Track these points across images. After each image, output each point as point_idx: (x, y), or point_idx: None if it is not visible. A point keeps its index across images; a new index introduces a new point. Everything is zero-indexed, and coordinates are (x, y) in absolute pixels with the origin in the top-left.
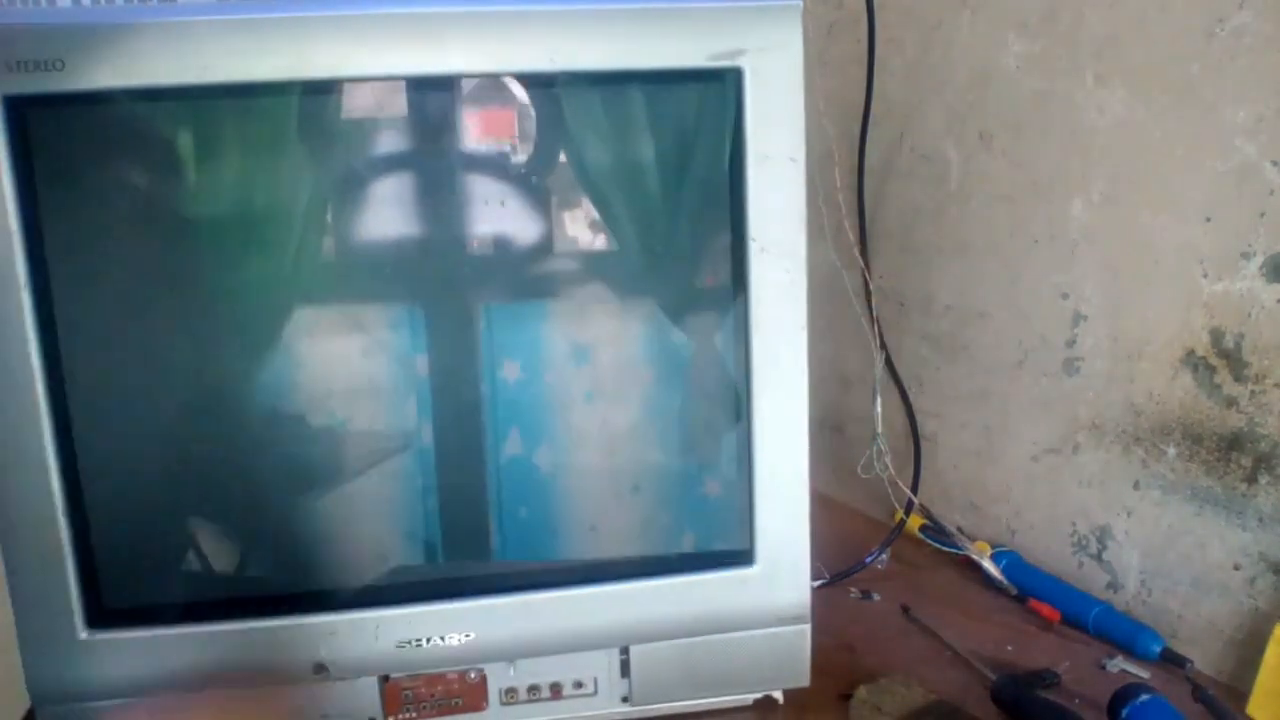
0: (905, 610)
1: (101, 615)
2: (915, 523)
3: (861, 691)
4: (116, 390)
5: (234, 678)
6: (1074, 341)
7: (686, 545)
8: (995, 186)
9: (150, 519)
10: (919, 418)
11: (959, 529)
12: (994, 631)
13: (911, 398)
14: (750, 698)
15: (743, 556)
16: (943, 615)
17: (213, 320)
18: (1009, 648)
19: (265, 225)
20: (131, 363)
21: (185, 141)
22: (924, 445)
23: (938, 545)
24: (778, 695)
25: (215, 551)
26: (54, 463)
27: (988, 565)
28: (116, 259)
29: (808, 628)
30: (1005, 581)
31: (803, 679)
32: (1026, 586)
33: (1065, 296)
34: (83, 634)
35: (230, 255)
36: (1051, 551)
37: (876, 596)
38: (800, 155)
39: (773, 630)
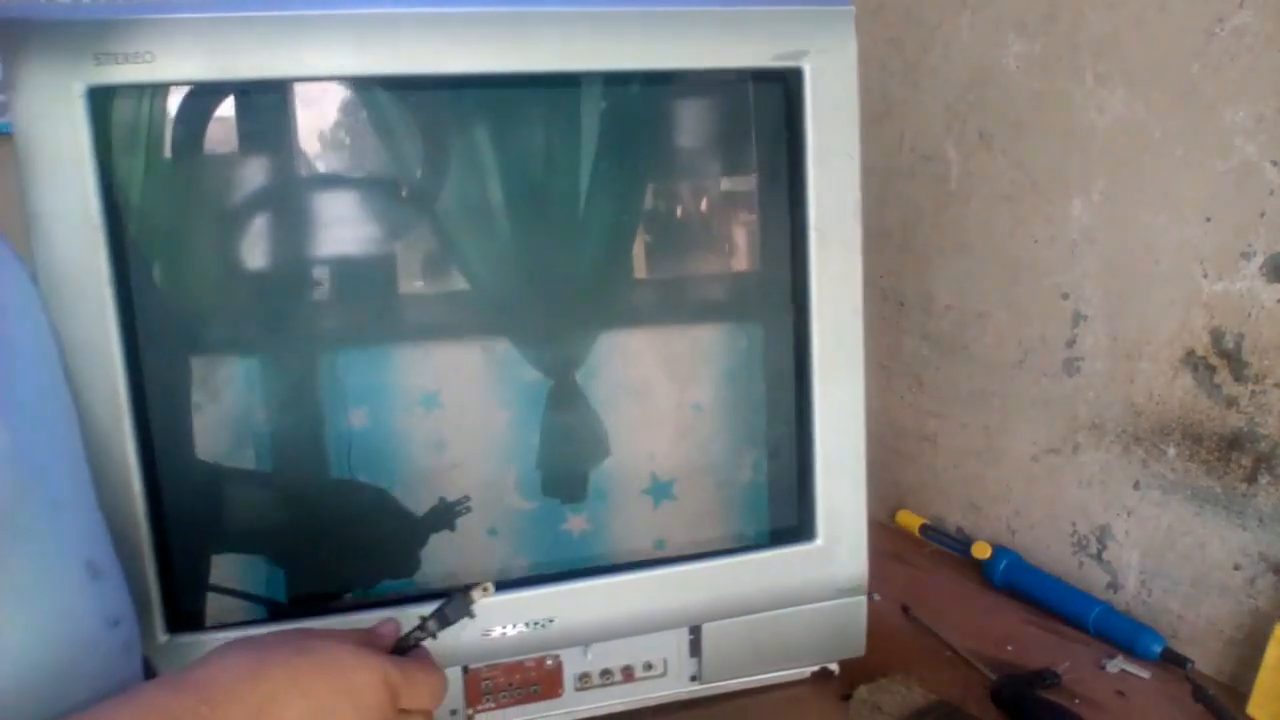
0: (905, 610)
1: (181, 619)
2: (915, 522)
3: (861, 691)
4: (190, 391)
5: None
6: (1074, 341)
7: (740, 526)
8: (995, 186)
9: (230, 518)
10: (919, 418)
11: (959, 529)
12: (994, 631)
13: (911, 398)
14: (808, 671)
15: (805, 532)
16: (943, 615)
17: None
18: (1009, 648)
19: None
20: (203, 366)
21: (273, 134)
22: (924, 445)
23: (938, 545)
24: (833, 667)
25: (296, 549)
26: (135, 464)
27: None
28: (197, 255)
29: (864, 599)
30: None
31: (859, 649)
32: (1026, 586)
33: (1065, 296)
34: (163, 637)
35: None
36: (1051, 551)
37: (876, 596)
38: (855, 150)
39: (832, 603)
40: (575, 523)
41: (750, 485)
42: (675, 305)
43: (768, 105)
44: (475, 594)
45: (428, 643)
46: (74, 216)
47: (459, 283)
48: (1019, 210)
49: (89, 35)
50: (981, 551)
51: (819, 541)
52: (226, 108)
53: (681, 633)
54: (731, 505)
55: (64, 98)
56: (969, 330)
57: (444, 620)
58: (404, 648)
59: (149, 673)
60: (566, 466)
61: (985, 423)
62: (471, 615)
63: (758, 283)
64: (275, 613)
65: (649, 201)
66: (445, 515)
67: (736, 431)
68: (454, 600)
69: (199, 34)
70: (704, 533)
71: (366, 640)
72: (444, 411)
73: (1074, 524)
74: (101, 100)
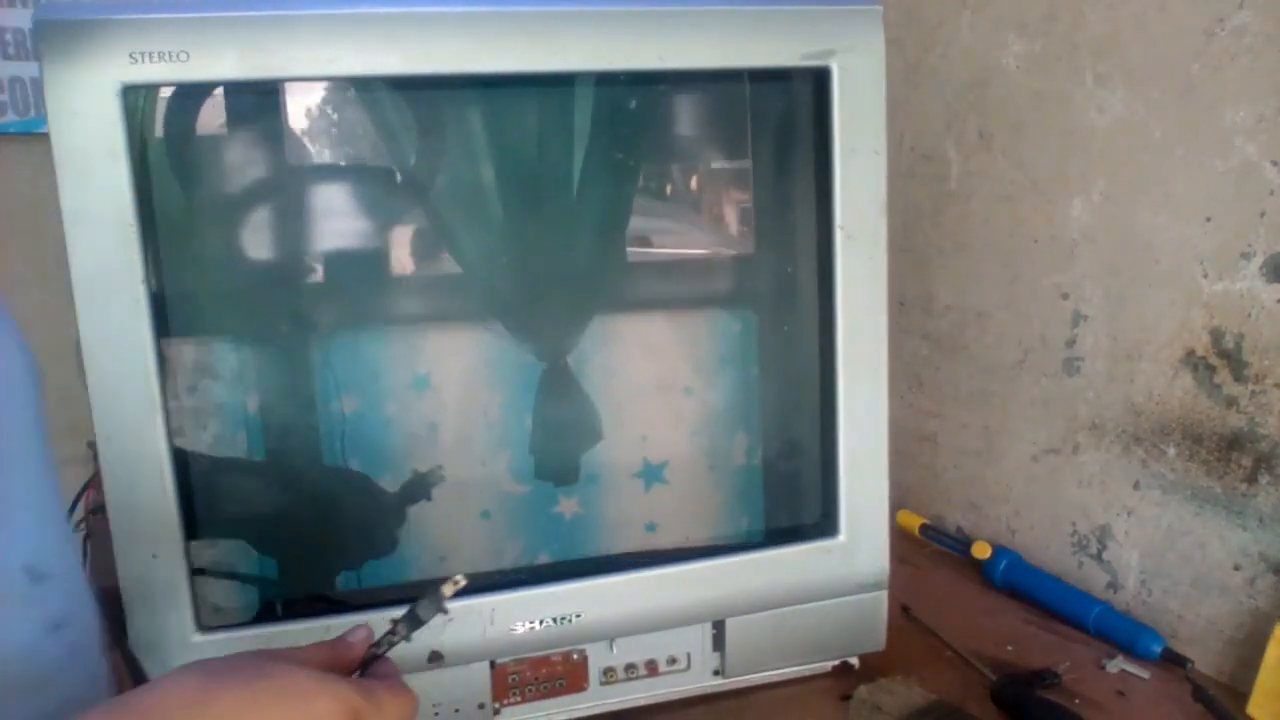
0: (905, 610)
1: (214, 616)
2: (915, 522)
3: (861, 691)
4: (214, 385)
5: None
6: (1074, 341)
7: (771, 520)
8: (995, 186)
9: (259, 516)
10: (919, 418)
11: (959, 529)
12: (994, 631)
13: (911, 398)
14: (829, 665)
15: (828, 528)
16: (943, 615)
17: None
18: (1009, 648)
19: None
20: (234, 359)
21: (301, 130)
22: (924, 445)
23: (938, 545)
24: (854, 661)
25: (326, 545)
26: (168, 461)
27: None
28: (231, 250)
29: (885, 594)
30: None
31: (879, 644)
32: (1026, 586)
33: (1065, 296)
34: (195, 637)
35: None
36: (1051, 551)
37: None
38: (882, 148)
39: (854, 598)
40: (567, 505)
41: (744, 471)
42: (699, 298)
43: (795, 104)
44: (446, 589)
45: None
46: (107, 213)
47: (458, 266)
48: (1019, 210)
49: (124, 34)
50: (981, 551)
51: (841, 538)
52: (258, 105)
53: (705, 627)
54: (725, 491)
55: (99, 95)
56: (969, 330)
57: (416, 621)
58: (376, 655)
59: (137, 678)
60: (559, 450)
61: (985, 423)
62: (444, 611)
63: (782, 281)
64: (293, 608)
65: (664, 193)
66: (421, 486)
67: (732, 419)
68: (425, 599)
69: (233, 33)
70: (697, 518)
71: (334, 654)
72: (438, 395)
73: (1074, 524)
74: (135, 98)
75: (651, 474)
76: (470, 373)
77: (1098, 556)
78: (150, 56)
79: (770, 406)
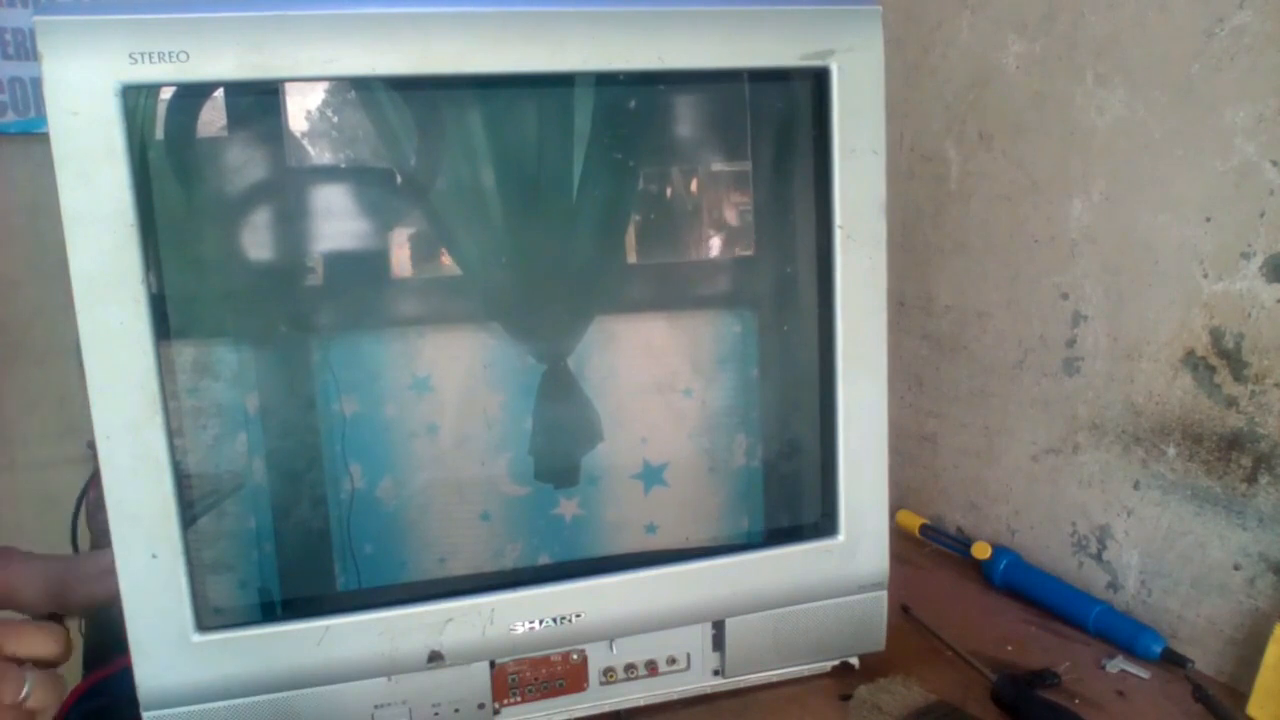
0: (905, 610)
1: (214, 617)
2: (915, 522)
3: (861, 691)
4: (217, 385)
5: (349, 672)
6: (1074, 341)
7: (771, 520)
8: (995, 186)
9: (259, 516)
10: (919, 418)
11: (959, 529)
12: (994, 631)
13: (912, 398)
14: (829, 665)
15: (828, 528)
16: (943, 615)
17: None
18: (1009, 648)
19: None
20: (233, 361)
21: (301, 131)
22: (924, 445)
23: (938, 545)
24: (854, 662)
25: (326, 543)
26: (168, 465)
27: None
28: (231, 250)
29: (885, 594)
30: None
31: (879, 644)
32: (1026, 586)
33: (1065, 296)
34: (195, 637)
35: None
36: (1051, 551)
37: None
38: (882, 148)
39: (854, 598)
40: (567, 507)
41: (744, 472)
42: (698, 299)
43: (795, 104)
44: None
45: None
46: (107, 213)
47: (458, 268)
48: (1019, 210)
49: (124, 34)
50: (981, 551)
51: (841, 538)
52: (257, 106)
53: (705, 627)
54: (725, 492)
55: (98, 96)
56: (969, 330)
57: None
58: None
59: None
60: (559, 452)
61: (985, 423)
62: None
63: (782, 281)
64: (293, 608)
65: (664, 193)
66: None
67: (732, 419)
68: None
69: (233, 33)
70: (697, 519)
71: None
72: (437, 397)
73: (1074, 524)
74: (135, 98)
75: (651, 476)
76: (470, 374)
77: (1098, 556)
78: (150, 56)
79: (770, 407)
